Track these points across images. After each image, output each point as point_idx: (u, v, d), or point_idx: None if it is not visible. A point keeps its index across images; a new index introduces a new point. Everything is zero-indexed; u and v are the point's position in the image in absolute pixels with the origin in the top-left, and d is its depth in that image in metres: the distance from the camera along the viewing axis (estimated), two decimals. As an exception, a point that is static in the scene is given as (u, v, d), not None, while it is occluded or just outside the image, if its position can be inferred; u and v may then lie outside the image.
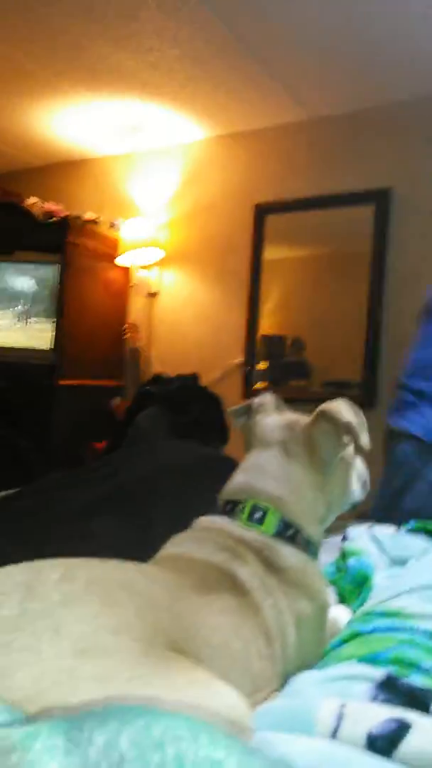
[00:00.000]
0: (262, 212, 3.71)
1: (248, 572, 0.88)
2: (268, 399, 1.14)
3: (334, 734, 0.64)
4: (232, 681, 0.68)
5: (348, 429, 0.99)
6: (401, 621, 0.89)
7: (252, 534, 0.94)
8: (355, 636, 0.86)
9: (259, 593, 0.86)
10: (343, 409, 1.00)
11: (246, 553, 0.91)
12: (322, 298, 3.56)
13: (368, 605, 0.98)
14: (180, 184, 4.06)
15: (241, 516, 0.96)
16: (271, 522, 0.95)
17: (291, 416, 1.08)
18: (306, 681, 0.79)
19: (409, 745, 0.61)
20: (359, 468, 1.12)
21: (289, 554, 0.94)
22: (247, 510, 0.96)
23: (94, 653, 0.60)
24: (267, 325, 3.73)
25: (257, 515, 0.95)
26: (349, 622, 0.95)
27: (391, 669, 0.78)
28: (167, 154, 4.09)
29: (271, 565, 0.91)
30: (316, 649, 0.91)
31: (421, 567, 1.11)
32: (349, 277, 3.55)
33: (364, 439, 1.01)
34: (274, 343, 3.70)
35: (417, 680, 0.77)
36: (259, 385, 3.60)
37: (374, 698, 0.72)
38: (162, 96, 3.46)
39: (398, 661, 0.80)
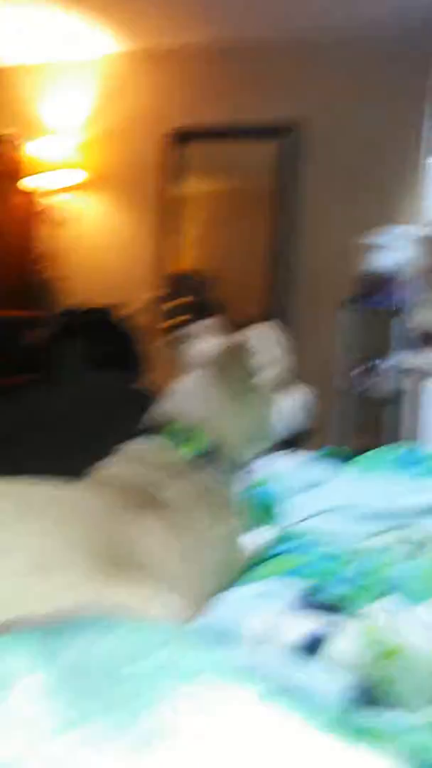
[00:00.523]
0: (179, 138, 3.60)
1: (172, 493, 0.90)
2: (205, 325, 1.14)
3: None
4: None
5: (236, 349, 1.03)
6: (309, 540, 0.95)
7: (175, 455, 0.96)
8: (274, 555, 0.92)
9: (183, 513, 0.89)
10: (259, 337, 1.03)
11: (169, 475, 0.93)
12: (233, 235, 3.55)
13: (282, 526, 1.04)
14: (93, 102, 3.84)
15: (164, 438, 0.99)
16: (193, 443, 0.98)
17: (223, 341, 1.09)
18: (231, 598, 0.83)
19: (327, 650, 0.67)
20: (296, 396, 1.14)
21: (209, 475, 0.97)
22: (170, 431, 0.99)
23: (50, 568, 0.61)
24: (183, 260, 3.68)
25: (180, 436, 0.98)
26: (265, 544, 1.00)
27: (312, 581, 0.83)
28: (80, 69, 3.84)
29: (193, 486, 0.94)
30: (234, 568, 0.94)
31: (330, 490, 1.18)
32: (257, 215, 3.54)
33: (274, 372, 1.04)
34: (189, 279, 3.67)
35: (336, 589, 0.83)
36: (174, 320, 3.58)
37: (297, 609, 0.77)
38: (76, 2, 3.21)
39: (318, 574, 0.86)
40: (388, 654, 0.59)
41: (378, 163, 3.33)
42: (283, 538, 0.99)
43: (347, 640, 0.67)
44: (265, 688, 0.36)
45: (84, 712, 0.32)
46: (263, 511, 1.21)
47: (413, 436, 2.68)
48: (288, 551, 0.93)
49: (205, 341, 1.11)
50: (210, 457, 0.98)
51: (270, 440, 1.13)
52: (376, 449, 1.29)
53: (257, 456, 1.13)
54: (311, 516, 1.06)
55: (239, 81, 3.51)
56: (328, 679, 0.63)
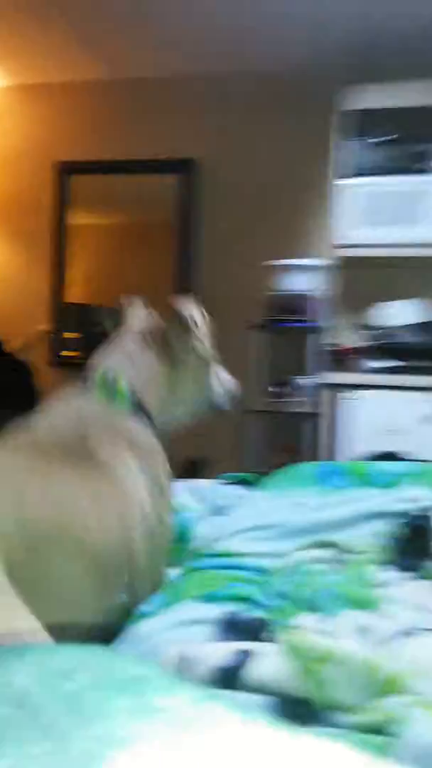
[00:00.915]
0: (65, 171, 3.56)
1: (105, 447, 0.91)
2: (137, 302, 1.22)
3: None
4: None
5: (189, 319, 1.11)
6: (231, 560, 0.93)
7: (107, 409, 0.99)
8: (193, 572, 0.88)
9: (115, 464, 0.89)
10: (189, 304, 1.13)
11: (102, 428, 0.95)
12: (131, 267, 3.54)
13: (197, 546, 1.02)
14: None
15: (95, 389, 1.01)
16: (124, 395, 1.01)
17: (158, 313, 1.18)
18: (151, 627, 0.79)
19: (249, 673, 0.64)
20: (221, 376, 1.22)
21: (140, 431, 1.00)
22: (99, 379, 1.02)
23: None
24: (74, 293, 3.62)
25: (110, 385, 1.02)
26: (185, 561, 0.97)
27: (227, 606, 0.81)
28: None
29: (125, 440, 0.95)
30: (166, 528, 0.95)
31: (240, 513, 1.18)
32: (156, 247, 3.57)
33: (201, 334, 1.13)
34: (85, 311, 3.61)
35: (250, 614, 0.82)
36: (68, 353, 3.49)
37: (215, 637, 0.74)
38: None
39: (234, 598, 0.84)
40: (319, 660, 0.58)
41: (284, 190, 3.46)
42: (199, 557, 0.96)
43: (271, 658, 0.65)
44: (199, 694, 0.34)
45: (18, 740, 0.28)
46: (180, 535, 1.19)
47: (330, 453, 2.76)
48: (206, 570, 0.91)
49: (140, 312, 1.19)
50: (139, 412, 1.01)
51: (200, 409, 1.18)
52: (294, 466, 1.30)
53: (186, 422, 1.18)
54: (228, 537, 1.04)
55: (134, 115, 3.55)
56: (255, 698, 0.60)
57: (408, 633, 0.61)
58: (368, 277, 3.16)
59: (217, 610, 0.79)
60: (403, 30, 3.05)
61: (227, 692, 0.60)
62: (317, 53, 3.25)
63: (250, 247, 3.39)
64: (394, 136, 3.04)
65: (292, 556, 0.96)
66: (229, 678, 0.63)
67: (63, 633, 0.66)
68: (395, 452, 1.74)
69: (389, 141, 3.05)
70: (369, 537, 1.05)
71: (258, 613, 0.82)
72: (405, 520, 1.06)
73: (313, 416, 2.83)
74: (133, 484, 0.90)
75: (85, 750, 0.28)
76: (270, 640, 0.72)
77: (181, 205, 3.46)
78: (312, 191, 3.42)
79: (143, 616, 0.80)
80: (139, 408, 1.03)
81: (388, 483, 1.20)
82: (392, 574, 0.95)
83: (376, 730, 0.51)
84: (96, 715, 0.30)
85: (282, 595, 0.86)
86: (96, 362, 1.10)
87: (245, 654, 0.65)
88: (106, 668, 0.34)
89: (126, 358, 1.10)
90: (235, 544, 1.00)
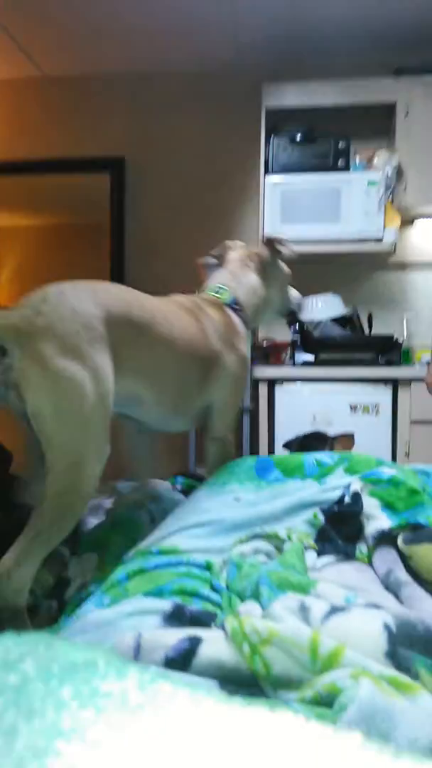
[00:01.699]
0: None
1: (210, 311, 1.47)
2: (236, 242, 1.82)
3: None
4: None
5: (276, 242, 1.72)
6: (177, 557, 0.95)
7: (214, 298, 1.56)
8: (139, 572, 0.90)
9: (214, 333, 1.43)
10: (279, 237, 1.76)
11: (210, 303, 1.52)
12: (62, 267, 3.49)
13: (143, 544, 1.03)
14: None
15: (209, 291, 1.60)
16: (225, 295, 1.58)
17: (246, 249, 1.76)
18: (100, 617, 0.80)
19: (201, 656, 0.66)
20: (293, 293, 1.84)
21: (233, 315, 1.54)
22: (211, 288, 1.61)
23: None
24: (1, 296, 3.53)
25: (217, 291, 1.59)
26: (131, 560, 0.98)
27: (176, 599, 0.83)
28: None
29: (223, 312, 1.51)
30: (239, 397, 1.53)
31: (183, 510, 1.20)
32: (88, 247, 3.54)
33: (288, 251, 1.74)
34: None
35: (198, 606, 0.84)
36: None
37: (164, 627, 0.76)
38: None
39: (180, 592, 0.86)
40: (264, 642, 0.60)
41: (212, 188, 3.49)
42: (147, 555, 0.97)
43: (220, 642, 0.66)
44: (147, 676, 0.35)
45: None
46: (133, 531, 1.20)
47: (268, 444, 2.81)
48: (155, 568, 0.92)
49: (238, 246, 1.77)
50: (236, 307, 1.57)
51: (279, 314, 1.84)
52: (234, 461, 1.33)
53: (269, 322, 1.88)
54: (171, 535, 1.06)
55: (61, 114, 3.51)
56: (205, 680, 0.62)
57: (342, 609, 0.64)
58: (294, 271, 3.24)
59: (165, 603, 0.80)
60: (323, 31, 3.14)
61: (177, 674, 0.62)
62: (241, 52, 3.31)
63: (178, 245, 3.41)
64: (315, 134, 3.13)
65: (234, 550, 0.99)
66: (181, 662, 0.65)
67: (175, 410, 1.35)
68: (321, 431, 1.82)
69: (310, 138, 3.14)
70: (302, 525, 1.09)
71: (206, 603, 0.84)
72: (335, 507, 1.10)
73: (250, 410, 2.88)
74: (209, 324, 1.44)
75: (32, 744, 0.28)
76: (218, 627, 0.73)
77: (112, 204, 3.43)
78: (239, 188, 3.47)
79: (89, 611, 0.80)
80: (238, 307, 1.57)
81: (321, 473, 1.25)
82: (325, 559, 1.00)
83: (323, 703, 0.53)
84: (42, 707, 0.30)
85: (226, 588, 0.88)
86: (210, 282, 1.65)
87: (197, 639, 0.67)
88: (51, 656, 0.34)
89: (231, 276, 1.65)
90: (179, 541, 1.02)
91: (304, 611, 0.65)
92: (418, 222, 3.36)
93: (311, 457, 1.30)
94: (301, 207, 3.07)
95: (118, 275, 3.41)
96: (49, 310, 1.03)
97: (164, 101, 3.50)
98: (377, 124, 3.29)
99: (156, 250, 3.46)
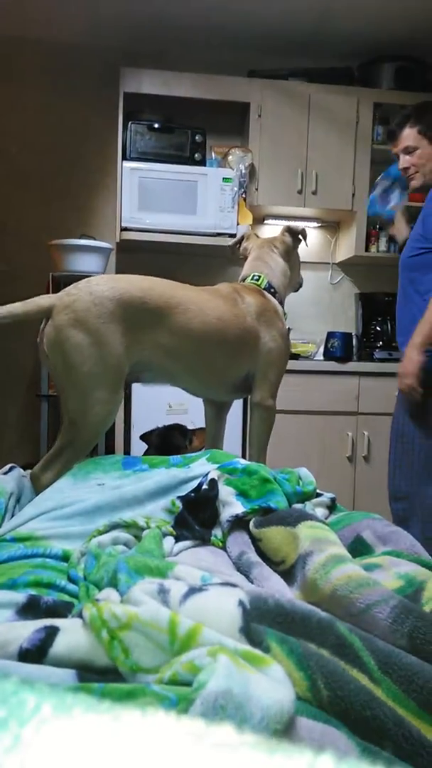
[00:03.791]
0: None
1: (247, 297, 1.74)
2: (251, 231, 2.17)
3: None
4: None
5: (302, 233, 2.00)
6: (32, 545, 0.92)
7: (253, 285, 1.82)
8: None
9: (252, 314, 1.71)
10: (299, 226, 2.03)
11: (249, 289, 1.79)
12: None
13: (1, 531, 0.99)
14: None
15: (248, 280, 1.86)
16: (263, 281, 1.84)
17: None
18: None
19: (58, 646, 0.65)
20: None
21: (270, 295, 1.82)
22: (249, 278, 1.86)
23: None
24: None
25: (256, 278, 1.85)
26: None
27: (30, 591, 0.81)
28: None
29: (262, 296, 1.78)
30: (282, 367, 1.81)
31: (43, 497, 1.17)
32: None
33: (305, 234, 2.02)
34: None
35: (54, 597, 0.82)
36: None
37: (18, 620, 0.74)
38: None
39: (35, 584, 0.83)
40: (123, 627, 0.61)
41: (72, 170, 3.37)
42: (1, 545, 0.93)
43: (77, 632, 0.66)
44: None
45: None
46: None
47: (127, 435, 2.79)
48: (6, 560, 0.88)
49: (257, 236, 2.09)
50: (272, 291, 1.85)
51: (296, 289, 2.08)
52: (94, 458, 1.33)
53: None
54: (30, 519, 1.03)
55: None
56: (60, 672, 0.62)
57: (199, 590, 0.66)
58: (149, 260, 3.25)
59: (19, 596, 0.78)
60: (185, 24, 3.15)
61: (34, 669, 0.60)
62: (102, 31, 3.23)
63: (29, 224, 3.27)
64: (172, 124, 3.15)
65: (92, 541, 0.98)
66: (37, 653, 0.64)
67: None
68: (181, 424, 1.86)
69: (167, 128, 3.15)
70: (161, 513, 1.11)
71: (61, 596, 0.83)
72: (192, 494, 1.13)
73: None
74: (247, 307, 1.71)
75: None
76: (75, 616, 0.73)
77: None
78: (95, 170, 3.40)
79: None
80: (272, 289, 1.84)
81: (185, 462, 1.28)
82: (182, 544, 1.02)
83: (182, 683, 0.55)
84: None
85: (84, 578, 0.88)
86: (246, 272, 1.90)
87: (53, 629, 0.66)
88: None
89: (263, 264, 1.90)
90: (36, 526, 0.99)
91: (162, 594, 0.67)
92: (268, 221, 3.51)
93: (177, 457, 1.33)
94: (158, 196, 3.08)
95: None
96: (75, 292, 1.42)
97: (28, 79, 3.32)
98: (233, 121, 3.38)
99: (3, 229, 3.29)
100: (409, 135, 2.17)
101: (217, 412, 1.93)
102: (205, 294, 1.64)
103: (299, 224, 2.13)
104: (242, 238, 2.07)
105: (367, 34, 3.20)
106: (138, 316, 1.45)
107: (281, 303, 1.87)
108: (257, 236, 2.06)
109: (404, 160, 2.20)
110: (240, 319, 1.66)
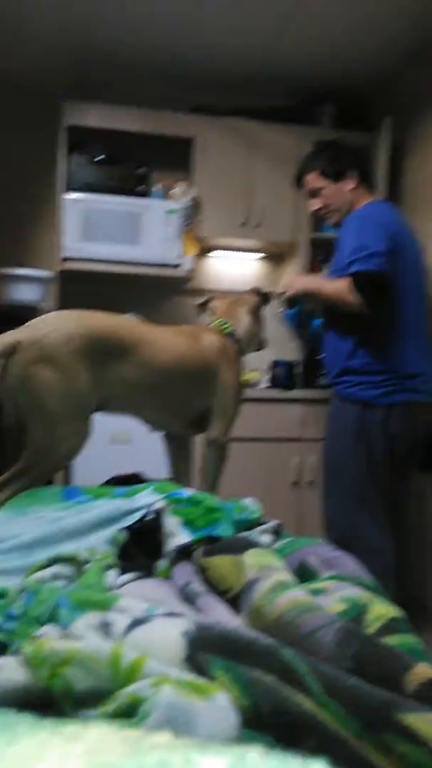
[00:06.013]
0: None
1: (211, 335, 1.82)
2: (217, 292, 2.27)
3: None
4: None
5: (268, 295, 2.12)
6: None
7: (217, 328, 1.91)
8: None
9: (214, 351, 1.79)
10: (265, 289, 2.16)
11: (212, 331, 1.87)
12: None
13: None
14: None
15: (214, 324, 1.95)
16: (228, 328, 1.92)
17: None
18: None
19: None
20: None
21: (232, 342, 1.89)
22: (217, 322, 1.95)
23: None
24: None
25: (222, 323, 1.93)
26: None
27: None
28: None
29: (225, 338, 1.86)
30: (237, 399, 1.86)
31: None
32: None
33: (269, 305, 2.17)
34: None
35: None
36: None
37: None
38: None
39: (-28, 621, 0.80)
40: (63, 663, 0.59)
41: (12, 199, 3.33)
42: None
43: (15, 669, 0.64)
44: None
45: None
46: None
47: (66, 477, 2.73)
48: None
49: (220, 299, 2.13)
50: (234, 339, 1.92)
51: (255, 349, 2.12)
52: (31, 490, 1.29)
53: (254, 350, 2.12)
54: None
55: None
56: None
57: (143, 621, 0.65)
58: (90, 291, 3.24)
59: None
60: (126, 58, 3.21)
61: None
62: (44, 68, 3.24)
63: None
64: (116, 157, 3.18)
65: (31, 577, 0.96)
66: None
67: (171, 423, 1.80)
68: (138, 473, 1.83)
69: (111, 161, 3.18)
70: (104, 545, 1.09)
71: (3, 630, 0.80)
72: (137, 525, 1.12)
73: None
74: (210, 345, 1.78)
75: None
76: (13, 655, 0.70)
77: None
78: (35, 200, 3.38)
79: None
80: (234, 337, 1.92)
81: (130, 493, 1.26)
82: (126, 576, 1.01)
83: (126, 715, 0.54)
84: None
85: (22, 616, 0.85)
86: (213, 318, 2.00)
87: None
88: None
89: (230, 316, 1.98)
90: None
91: (105, 627, 0.65)
92: (213, 252, 3.57)
93: (122, 488, 1.32)
94: (101, 226, 3.09)
95: None
96: (42, 327, 1.43)
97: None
98: (177, 155, 3.45)
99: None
100: (311, 178, 2.27)
101: (176, 448, 1.96)
102: (170, 331, 1.72)
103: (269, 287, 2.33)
104: (210, 298, 2.17)
105: (308, 74, 3.34)
106: (105, 352, 1.49)
107: (241, 353, 1.95)
108: (224, 295, 2.17)
109: (313, 202, 2.29)
110: (203, 354, 1.75)
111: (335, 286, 2.11)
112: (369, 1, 2.70)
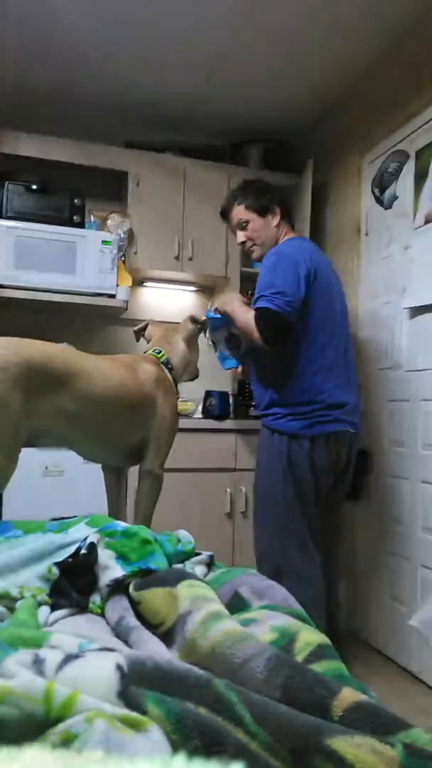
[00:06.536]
0: None
1: (147, 365, 1.86)
2: (153, 320, 2.35)
3: None
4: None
5: (202, 324, 2.23)
6: None
7: (153, 357, 1.95)
8: None
9: (151, 382, 1.83)
10: (199, 317, 2.24)
11: (149, 360, 1.91)
12: None
13: None
14: None
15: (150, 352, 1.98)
16: (163, 356, 1.97)
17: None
18: None
19: None
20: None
21: (166, 370, 1.94)
22: (153, 350, 2.00)
23: None
24: None
25: (158, 352, 1.98)
26: None
27: None
28: None
29: (160, 368, 1.90)
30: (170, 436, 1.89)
31: None
32: None
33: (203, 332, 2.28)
34: None
35: None
36: None
37: None
38: None
39: None
40: (-6, 702, 0.58)
41: None
42: None
43: None
44: None
45: None
46: None
47: None
48: None
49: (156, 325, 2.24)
50: (169, 366, 1.99)
51: (191, 376, 2.19)
52: None
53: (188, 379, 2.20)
54: None
55: None
56: None
57: (76, 657, 0.66)
58: (23, 318, 3.20)
59: None
60: (63, 90, 3.23)
61: None
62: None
63: None
64: (51, 187, 3.18)
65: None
66: None
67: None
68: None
69: (45, 190, 3.17)
70: (36, 581, 1.08)
71: None
72: (70, 560, 1.11)
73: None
74: (147, 375, 1.81)
75: None
76: None
77: None
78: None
79: None
80: (169, 365, 1.96)
81: (62, 528, 1.25)
82: (59, 613, 1.00)
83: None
84: None
85: None
86: (150, 346, 2.05)
87: None
88: None
89: (166, 343, 2.05)
90: None
91: (38, 664, 0.65)
92: (147, 283, 3.60)
93: (54, 523, 1.30)
94: (36, 255, 3.06)
95: None
96: None
97: None
98: (111, 187, 3.48)
99: None
100: (238, 211, 2.35)
101: (115, 479, 1.96)
102: (107, 361, 1.72)
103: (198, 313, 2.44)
104: (146, 325, 2.22)
105: (236, 116, 3.47)
106: (42, 381, 1.47)
107: (175, 382, 1.98)
108: (160, 323, 2.26)
109: (240, 236, 2.37)
110: (140, 386, 1.76)
111: (247, 317, 2.15)
112: (292, 52, 2.85)
